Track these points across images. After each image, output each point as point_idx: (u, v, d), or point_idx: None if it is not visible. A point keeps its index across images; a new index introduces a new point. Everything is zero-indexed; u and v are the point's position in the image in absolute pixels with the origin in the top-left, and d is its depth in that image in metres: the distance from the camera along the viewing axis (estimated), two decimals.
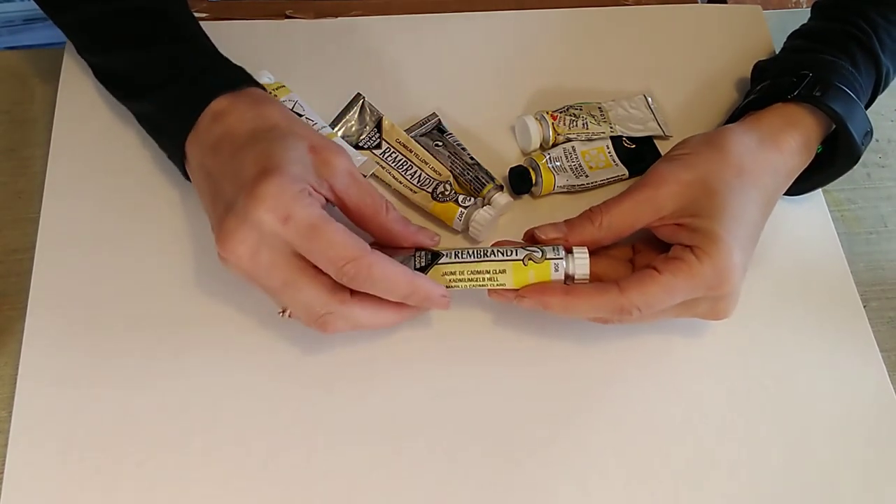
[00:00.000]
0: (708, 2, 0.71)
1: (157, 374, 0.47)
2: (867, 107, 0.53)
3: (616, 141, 0.56)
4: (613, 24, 0.64)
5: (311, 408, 0.47)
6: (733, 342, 0.51)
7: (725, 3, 0.71)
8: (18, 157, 0.55)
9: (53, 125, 0.54)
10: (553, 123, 0.55)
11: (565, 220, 0.47)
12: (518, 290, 0.45)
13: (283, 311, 0.44)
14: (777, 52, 0.61)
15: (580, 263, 0.45)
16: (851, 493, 0.47)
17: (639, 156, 0.56)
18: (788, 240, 0.55)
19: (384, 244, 0.46)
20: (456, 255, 0.45)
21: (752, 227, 0.46)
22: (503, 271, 0.45)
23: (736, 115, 0.54)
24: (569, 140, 0.56)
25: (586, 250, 0.46)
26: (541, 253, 0.45)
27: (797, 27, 0.58)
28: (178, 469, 0.44)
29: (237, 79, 0.47)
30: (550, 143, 0.56)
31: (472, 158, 0.54)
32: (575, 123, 0.56)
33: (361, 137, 0.55)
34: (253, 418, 0.46)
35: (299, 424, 0.46)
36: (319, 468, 0.45)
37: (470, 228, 0.51)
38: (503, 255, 0.45)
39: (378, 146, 0.55)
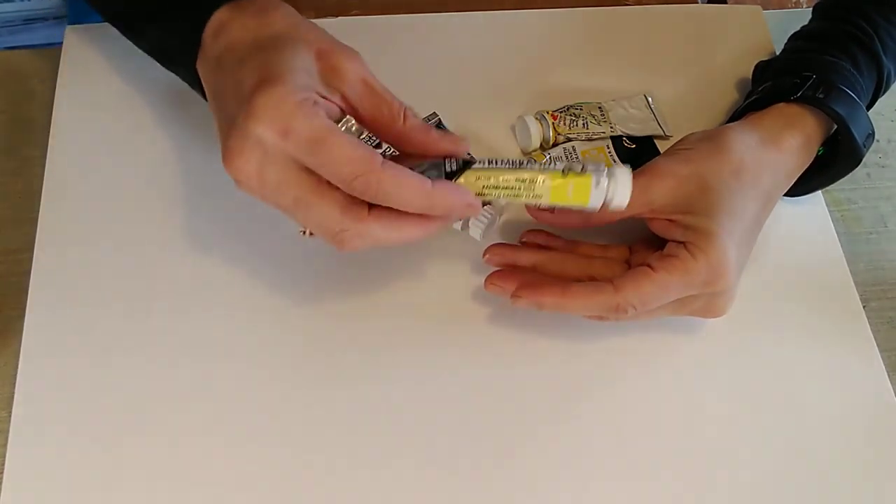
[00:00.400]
0: (708, 2, 0.71)
1: (157, 374, 0.47)
2: (868, 109, 0.53)
3: (616, 141, 0.56)
4: (613, 24, 0.64)
5: (311, 406, 0.47)
6: (733, 342, 0.51)
7: (725, 3, 0.71)
8: (18, 157, 0.55)
9: (52, 125, 0.54)
10: (553, 123, 0.55)
11: None
12: (513, 289, 0.45)
13: (305, 230, 0.41)
14: (777, 53, 0.61)
15: (623, 182, 0.41)
16: (851, 493, 0.47)
17: (639, 156, 0.56)
18: (788, 240, 0.55)
19: (408, 154, 0.42)
20: (490, 163, 0.41)
21: (748, 225, 0.46)
22: (542, 181, 0.41)
23: (737, 115, 0.54)
24: (569, 140, 0.56)
25: (629, 175, 0.42)
26: (581, 166, 0.41)
27: (797, 27, 0.58)
28: (178, 469, 0.44)
29: None
30: (551, 142, 0.56)
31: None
32: (575, 123, 0.56)
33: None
34: (254, 417, 0.46)
35: (299, 424, 0.46)
36: (318, 467, 0.45)
37: (470, 228, 0.51)
38: (541, 166, 0.41)
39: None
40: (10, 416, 0.45)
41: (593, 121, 0.56)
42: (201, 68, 0.43)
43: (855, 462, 0.48)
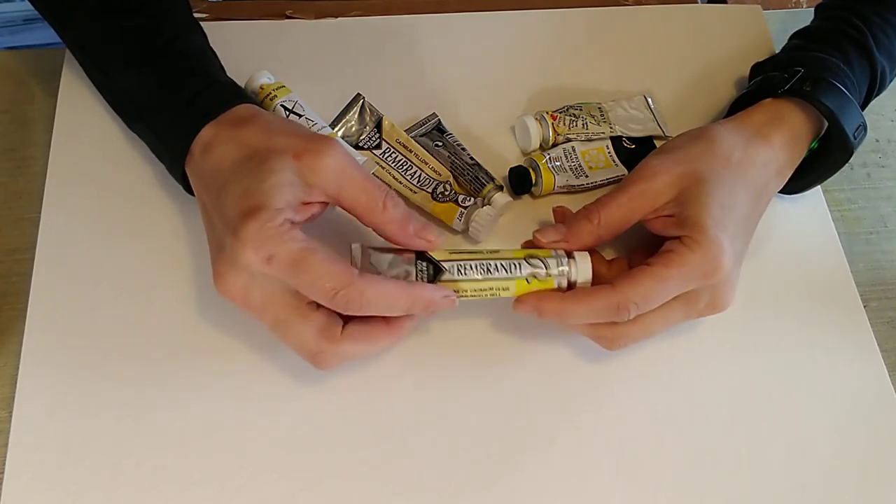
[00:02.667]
0: (708, 1, 0.71)
1: (157, 375, 0.47)
2: (863, 106, 0.53)
3: (616, 141, 0.56)
4: (613, 24, 0.64)
5: (310, 411, 0.47)
6: (734, 342, 0.51)
7: (725, 2, 0.71)
8: (18, 157, 0.55)
9: (54, 125, 0.54)
10: (553, 123, 0.55)
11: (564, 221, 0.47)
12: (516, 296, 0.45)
13: None
14: (777, 53, 0.61)
15: (583, 269, 0.45)
16: (852, 493, 0.47)
17: (639, 156, 0.56)
18: (789, 240, 0.55)
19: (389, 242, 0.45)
20: (458, 271, 0.44)
21: (742, 217, 0.46)
22: (507, 288, 0.45)
23: (728, 112, 0.54)
24: (569, 140, 0.56)
25: (588, 256, 0.46)
26: (545, 269, 0.45)
27: (797, 27, 0.58)
28: (177, 469, 0.44)
29: (225, 100, 0.46)
30: (550, 143, 0.56)
31: (471, 158, 0.54)
32: (575, 123, 0.56)
33: (361, 138, 0.55)
34: (253, 419, 0.46)
35: (298, 427, 0.46)
36: (317, 471, 0.45)
37: (470, 228, 0.51)
38: (507, 271, 0.45)
39: (378, 146, 0.55)
40: (10, 416, 0.45)
41: (593, 121, 0.56)
42: (191, 174, 0.46)
43: (856, 461, 0.48)
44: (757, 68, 0.57)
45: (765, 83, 0.52)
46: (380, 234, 0.45)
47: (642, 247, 0.49)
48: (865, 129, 0.51)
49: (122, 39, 0.49)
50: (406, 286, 0.41)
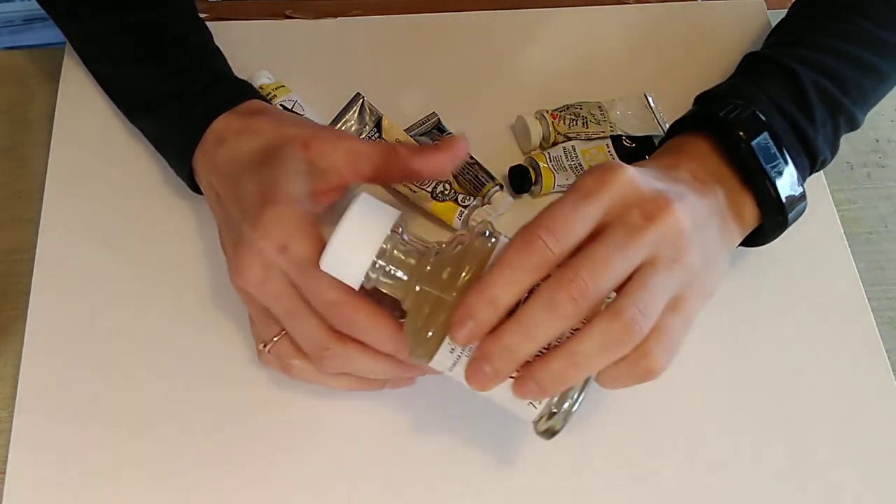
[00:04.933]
0: None
1: (159, 376, 0.47)
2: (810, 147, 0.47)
3: (616, 140, 0.56)
4: (613, 24, 0.64)
5: (313, 411, 0.47)
6: (736, 340, 0.51)
7: None
8: (18, 157, 0.55)
9: (54, 125, 0.55)
10: (553, 122, 0.55)
11: None
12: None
13: (264, 346, 0.43)
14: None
15: None
16: (853, 493, 0.47)
17: (639, 155, 0.56)
18: (793, 237, 0.55)
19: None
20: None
21: (655, 179, 0.39)
22: None
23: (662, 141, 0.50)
24: (569, 139, 0.56)
25: None
26: None
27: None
28: (179, 471, 0.44)
29: (237, 94, 0.47)
30: (550, 142, 0.56)
31: (471, 158, 0.54)
32: (575, 122, 0.56)
33: (361, 137, 0.55)
34: (255, 421, 0.46)
35: (300, 428, 0.46)
36: (320, 471, 0.45)
37: (470, 224, 0.51)
38: None
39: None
40: (10, 416, 0.45)
41: (593, 120, 0.56)
42: (200, 166, 0.46)
43: (858, 462, 0.47)
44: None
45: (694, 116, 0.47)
46: (410, 176, 0.45)
47: None
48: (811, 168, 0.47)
49: (132, 32, 0.50)
50: (398, 332, 0.38)
